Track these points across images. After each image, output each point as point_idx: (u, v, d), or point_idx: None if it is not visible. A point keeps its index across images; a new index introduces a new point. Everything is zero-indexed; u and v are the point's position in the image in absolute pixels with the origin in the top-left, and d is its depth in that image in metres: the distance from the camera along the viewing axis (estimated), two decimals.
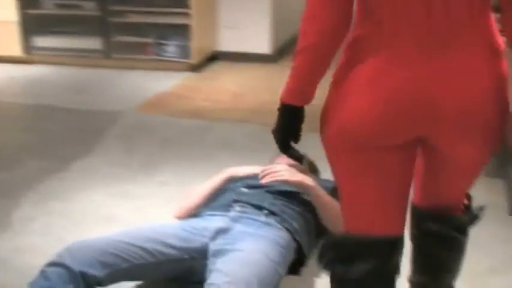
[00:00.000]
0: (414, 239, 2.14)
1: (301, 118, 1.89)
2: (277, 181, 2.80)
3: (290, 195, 2.88)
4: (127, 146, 4.39)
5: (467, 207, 2.12)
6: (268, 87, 5.99)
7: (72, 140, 4.49)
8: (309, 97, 1.85)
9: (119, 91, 5.86)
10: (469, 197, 2.14)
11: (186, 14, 6.43)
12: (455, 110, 1.72)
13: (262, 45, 6.97)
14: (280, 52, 7.30)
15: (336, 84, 1.84)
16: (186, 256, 2.51)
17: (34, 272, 2.72)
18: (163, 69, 6.55)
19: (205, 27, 6.77)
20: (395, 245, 1.91)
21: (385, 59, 1.73)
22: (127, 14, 6.68)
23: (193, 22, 6.42)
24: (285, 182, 2.80)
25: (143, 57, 6.67)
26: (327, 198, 2.81)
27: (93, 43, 6.69)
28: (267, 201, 2.80)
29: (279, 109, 1.90)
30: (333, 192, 2.79)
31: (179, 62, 6.55)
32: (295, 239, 2.69)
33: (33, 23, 6.77)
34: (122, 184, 3.73)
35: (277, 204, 2.79)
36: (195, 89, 5.97)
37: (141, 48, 6.67)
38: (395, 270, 1.94)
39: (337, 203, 2.73)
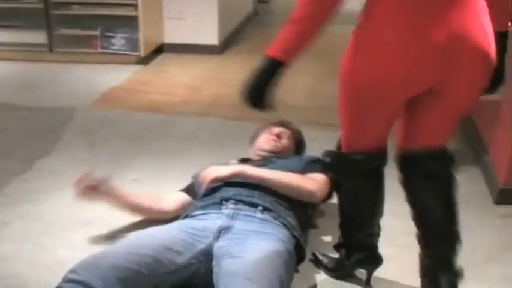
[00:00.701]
0: (410, 187, 2.41)
1: (278, 74, 2.16)
2: (212, 180, 2.77)
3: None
4: (90, 143, 4.25)
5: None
6: (222, 79, 5.93)
7: (31, 139, 4.31)
8: (293, 57, 2.14)
9: (68, 86, 5.67)
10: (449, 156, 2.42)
11: (132, 5, 6.27)
12: (468, 57, 2.09)
13: (210, 36, 6.89)
14: (227, 43, 7.24)
15: (360, 43, 2.15)
16: (193, 261, 2.43)
17: (17, 281, 2.63)
18: (110, 62, 6.37)
19: (152, 18, 6.63)
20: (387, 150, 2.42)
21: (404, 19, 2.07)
22: (70, 6, 6.46)
23: (140, 13, 6.26)
24: (219, 179, 2.77)
25: (89, 50, 6.48)
26: (273, 175, 2.79)
27: (36, 37, 6.44)
28: (257, 196, 2.73)
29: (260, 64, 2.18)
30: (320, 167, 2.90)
31: (127, 54, 6.39)
32: (293, 235, 2.64)
33: None
34: None
35: (268, 200, 2.73)
36: (148, 83, 5.84)
37: (86, 41, 6.48)
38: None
39: (287, 174, 2.80)
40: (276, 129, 3.22)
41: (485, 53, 2.12)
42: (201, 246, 2.47)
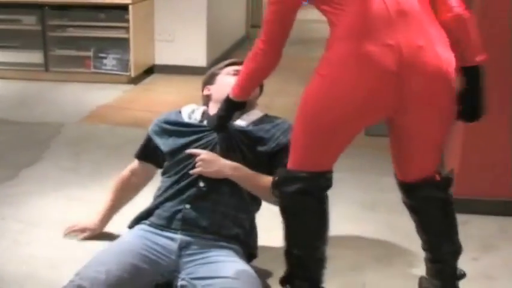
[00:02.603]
0: (412, 209, 2.65)
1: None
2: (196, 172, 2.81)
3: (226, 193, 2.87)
4: (74, 154, 4.56)
5: (441, 175, 2.59)
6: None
7: (20, 150, 4.63)
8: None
9: (60, 103, 6.02)
10: (439, 171, 2.60)
11: (124, 28, 6.63)
12: (423, 82, 2.30)
13: (198, 58, 7.21)
14: (215, 64, 7.51)
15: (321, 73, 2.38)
16: (158, 278, 2.65)
17: None
18: (103, 82, 6.72)
19: (143, 40, 6.97)
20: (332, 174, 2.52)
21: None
22: (66, 28, 6.84)
23: (131, 36, 6.62)
24: (202, 173, 2.79)
25: (82, 70, 6.85)
26: (249, 177, 2.82)
27: (33, 57, 6.83)
28: (205, 215, 2.78)
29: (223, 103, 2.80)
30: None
31: (118, 74, 6.73)
32: (242, 243, 2.82)
33: None
34: (73, 189, 3.89)
35: (217, 217, 2.80)
36: (135, 101, 6.19)
37: (80, 61, 6.85)
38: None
39: (258, 177, 2.81)
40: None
41: (443, 78, 2.30)
42: (164, 263, 2.67)
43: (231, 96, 2.75)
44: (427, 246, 2.68)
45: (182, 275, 2.64)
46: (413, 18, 2.30)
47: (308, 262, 2.55)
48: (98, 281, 2.42)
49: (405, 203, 2.66)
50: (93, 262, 2.56)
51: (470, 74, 2.38)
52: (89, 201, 3.72)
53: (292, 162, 2.49)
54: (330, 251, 3.03)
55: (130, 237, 2.80)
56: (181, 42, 7.16)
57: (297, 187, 2.44)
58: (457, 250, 2.64)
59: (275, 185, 2.52)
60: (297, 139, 2.47)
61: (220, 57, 7.84)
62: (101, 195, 3.78)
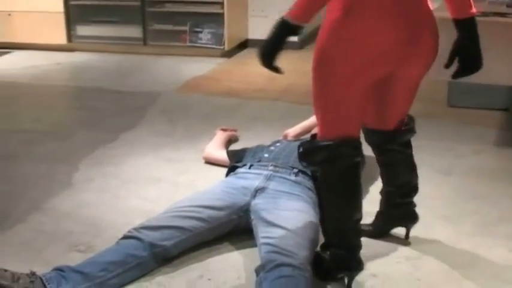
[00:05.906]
0: (388, 156, 2.82)
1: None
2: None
3: None
4: (169, 120, 4.84)
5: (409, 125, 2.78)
6: (296, 71, 6.37)
7: (119, 116, 4.95)
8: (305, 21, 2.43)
9: (158, 75, 6.35)
10: (410, 118, 2.79)
11: (219, 4, 6.90)
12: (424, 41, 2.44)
13: None
14: (306, 39, 7.73)
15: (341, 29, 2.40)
16: (234, 216, 2.92)
17: (95, 221, 3.19)
18: (197, 55, 7.02)
19: (237, 16, 7.22)
20: (360, 144, 2.52)
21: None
22: (164, 3, 7.18)
23: (226, 11, 6.88)
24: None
25: (179, 44, 7.16)
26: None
27: (132, 31, 7.20)
28: (293, 158, 3.16)
29: (276, 25, 2.51)
30: None
31: (212, 48, 7.01)
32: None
33: (76, 13, 7.30)
34: (166, 151, 4.17)
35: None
36: (228, 73, 6.44)
37: (177, 35, 7.17)
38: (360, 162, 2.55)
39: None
40: None
41: (436, 34, 2.47)
42: (240, 203, 2.94)
43: (286, 17, 2.43)
44: (393, 183, 2.87)
45: (252, 215, 2.90)
46: None
47: (341, 231, 2.55)
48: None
49: (382, 151, 2.80)
50: (168, 208, 2.93)
51: (467, 26, 2.46)
52: (181, 160, 4.01)
53: (318, 133, 2.52)
54: None
55: (211, 184, 3.22)
56: (274, 18, 7.28)
57: (322, 156, 2.46)
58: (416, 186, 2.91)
59: (301, 157, 2.54)
60: (315, 99, 2.49)
61: (311, 33, 8.01)
62: (192, 156, 4.09)
